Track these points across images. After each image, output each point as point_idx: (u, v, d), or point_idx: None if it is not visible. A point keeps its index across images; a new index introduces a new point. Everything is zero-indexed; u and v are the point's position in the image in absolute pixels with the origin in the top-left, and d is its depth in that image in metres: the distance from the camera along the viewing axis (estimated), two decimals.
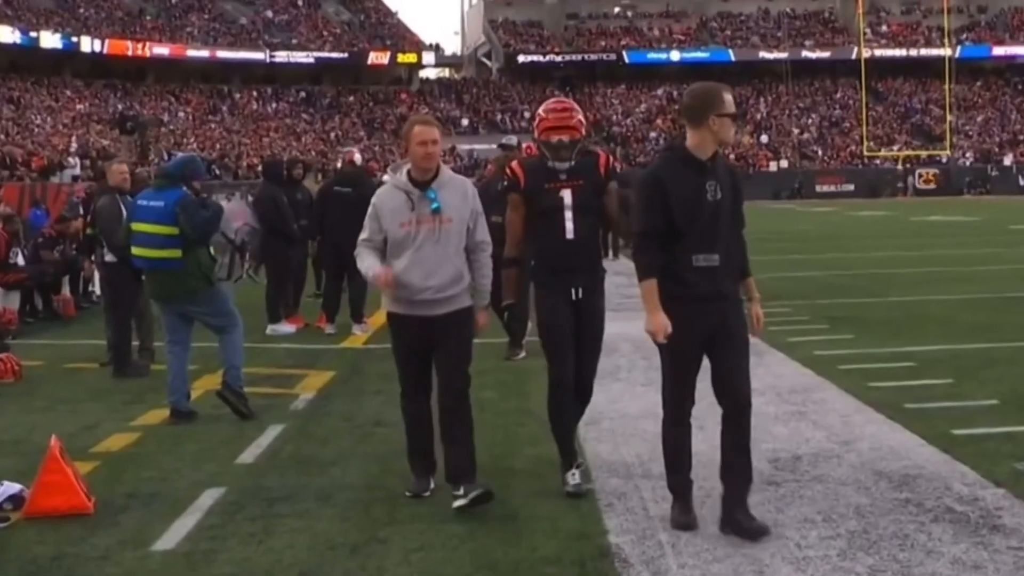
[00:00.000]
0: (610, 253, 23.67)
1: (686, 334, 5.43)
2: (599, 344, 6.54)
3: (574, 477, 6.31)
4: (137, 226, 8.79)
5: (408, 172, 6.19)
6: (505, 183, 6.64)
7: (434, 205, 6.10)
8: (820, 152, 76.28)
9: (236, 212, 10.10)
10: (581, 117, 6.49)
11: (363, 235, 6.27)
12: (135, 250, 8.85)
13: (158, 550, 5.55)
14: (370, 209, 6.25)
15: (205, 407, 8.81)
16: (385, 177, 7.15)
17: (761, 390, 8.61)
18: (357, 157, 14.47)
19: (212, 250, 8.80)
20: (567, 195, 6.36)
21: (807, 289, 16.78)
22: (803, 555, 5.20)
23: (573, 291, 6.35)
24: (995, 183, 70.13)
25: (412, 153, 6.13)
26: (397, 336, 6.32)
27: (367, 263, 6.23)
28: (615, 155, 26.86)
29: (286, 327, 13.48)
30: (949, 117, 73.56)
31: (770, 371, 9.93)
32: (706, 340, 5.51)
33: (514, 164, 6.65)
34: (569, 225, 6.34)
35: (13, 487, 6.39)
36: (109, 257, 10.84)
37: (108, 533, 5.83)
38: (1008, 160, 72.69)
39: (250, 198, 16.80)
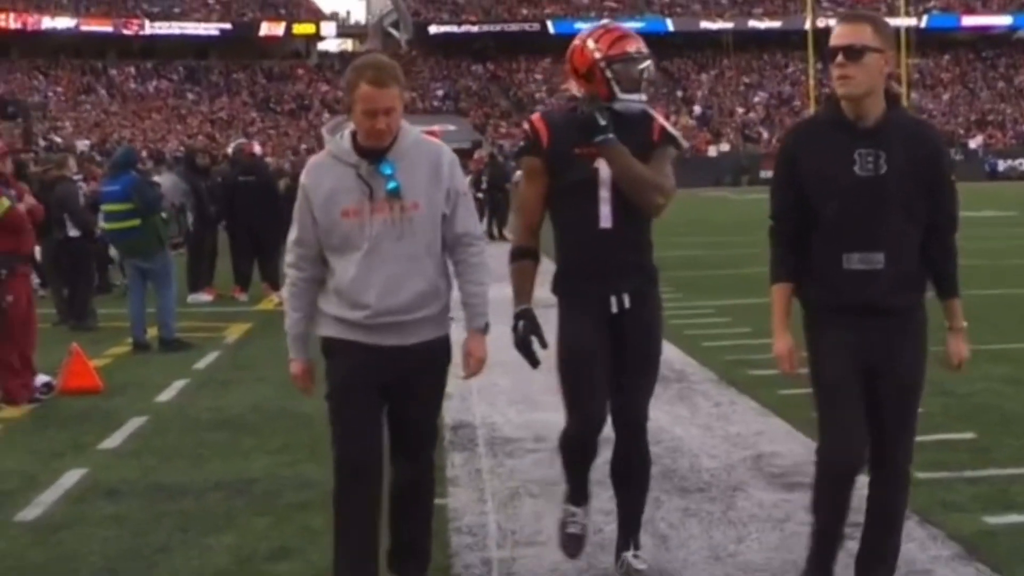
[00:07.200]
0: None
1: (836, 356, 5.01)
2: (653, 376, 5.77)
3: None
4: (106, 207, 14.05)
5: (353, 136, 5.36)
6: (521, 143, 5.88)
7: (390, 185, 5.23)
8: (766, 134, 79.74)
9: (173, 183, 16.23)
10: None
11: (292, 235, 5.44)
12: (106, 225, 14.12)
13: (161, 401, 10.87)
14: (299, 195, 5.43)
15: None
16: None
17: None
18: (257, 148, 20.62)
19: (165, 215, 14.19)
20: (603, 165, 5.56)
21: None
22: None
23: (613, 301, 5.61)
24: (960, 169, 71.56)
25: (358, 123, 5.28)
26: (337, 371, 5.39)
27: (293, 306, 5.49)
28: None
29: (204, 296, 18.72)
30: (911, 95, 76.96)
31: None
32: (866, 371, 5.03)
33: (535, 117, 5.83)
34: (604, 209, 5.56)
35: (45, 377, 11.54)
36: (74, 232, 15.97)
37: (119, 393, 11.09)
38: (975, 143, 77.03)
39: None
